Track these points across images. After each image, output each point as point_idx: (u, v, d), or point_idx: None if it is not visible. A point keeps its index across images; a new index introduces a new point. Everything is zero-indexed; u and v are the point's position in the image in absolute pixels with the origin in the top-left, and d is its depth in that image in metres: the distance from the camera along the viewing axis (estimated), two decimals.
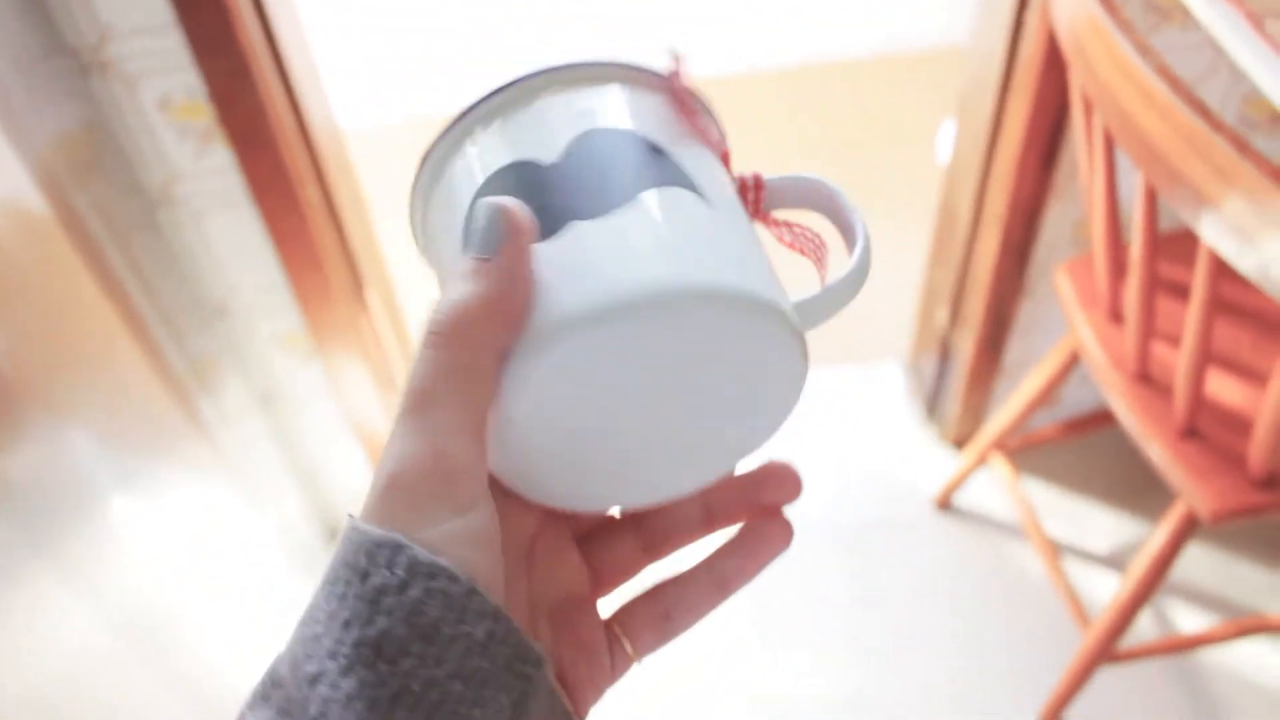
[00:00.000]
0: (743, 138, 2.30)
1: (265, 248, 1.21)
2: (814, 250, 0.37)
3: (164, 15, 1.00)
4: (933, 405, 1.73)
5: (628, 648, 0.35)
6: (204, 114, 1.08)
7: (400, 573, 0.27)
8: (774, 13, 2.52)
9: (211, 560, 1.28)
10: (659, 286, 0.30)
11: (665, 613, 0.35)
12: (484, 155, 0.35)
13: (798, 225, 0.38)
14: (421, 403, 0.28)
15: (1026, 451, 1.64)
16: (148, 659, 1.05)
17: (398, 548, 0.27)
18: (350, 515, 0.30)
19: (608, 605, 0.36)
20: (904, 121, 2.28)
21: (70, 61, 1.02)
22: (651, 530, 0.37)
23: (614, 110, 0.36)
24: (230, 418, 1.36)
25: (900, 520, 1.63)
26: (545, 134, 0.34)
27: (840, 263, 0.37)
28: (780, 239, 0.37)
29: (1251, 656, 1.45)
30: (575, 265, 0.31)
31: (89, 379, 1.03)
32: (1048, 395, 1.37)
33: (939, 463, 1.69)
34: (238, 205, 1.17)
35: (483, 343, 0.29)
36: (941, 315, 1.59)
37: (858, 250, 0.37)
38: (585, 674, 0.34)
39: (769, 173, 0.38)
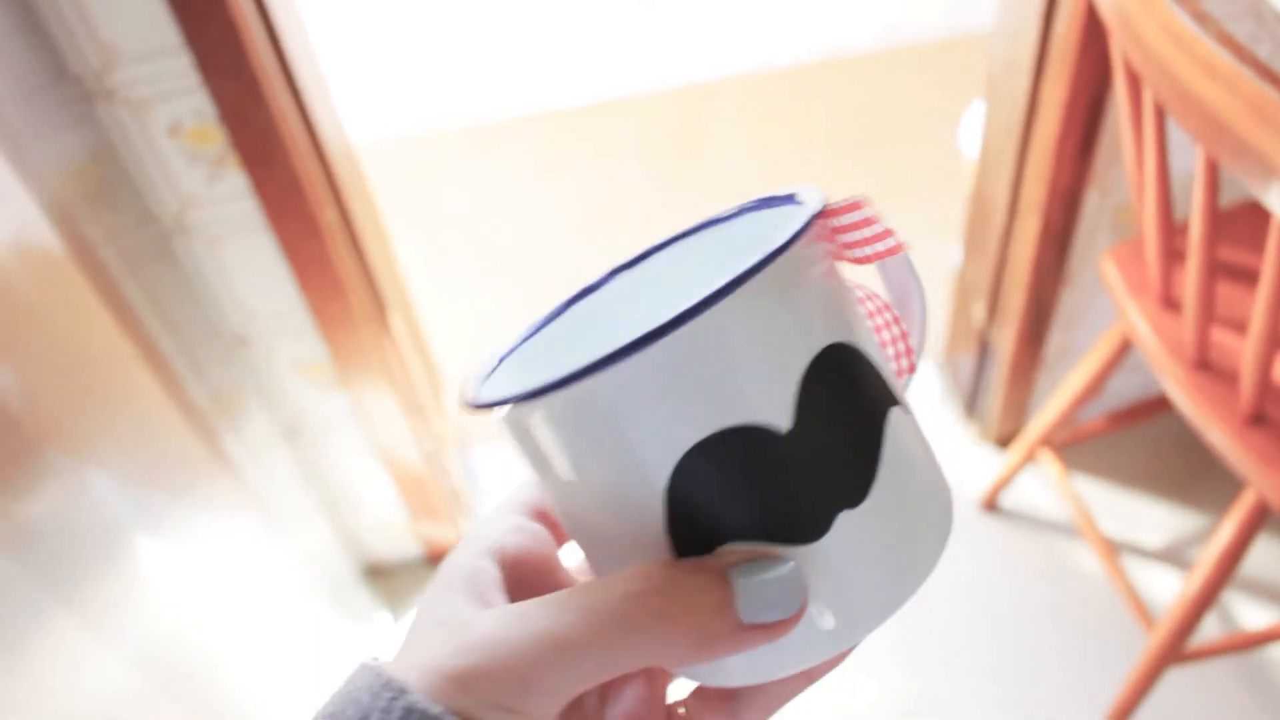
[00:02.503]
0: (751, 135, 2.28)
1: (284, 273, 1.17)
2: (889, 331, 0.34)
3: (171, 37, 0.96)
4: (971, 404, 1.68)
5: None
6: (215, 138, 1.05)
7: (395, 716, 0.26)
8: (782, 9, 2.49)
9: (240, 597, 1.24)
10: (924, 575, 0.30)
11: (736, 709, 0.33)
12: (677, 416, 0.27)
13: (878, 297, 0.34)
14: (558, 651, 0.27)
15: (1072, 446, 1.59)
16: (178, 699, 1.01)
17: (397, 692, 0.26)
18: (383, 667, 0.27)
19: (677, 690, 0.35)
20: (919, 113, 2.24)
21: (75, 89, 0.99)
22: None
23: (816, 317, 0.28)
24: (254, 450, 1.33)
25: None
26: (763, 385, 0.27)
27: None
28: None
29: None
30: (846, 581, 0.29)
31: (107, 416, 1.00)
32: (1097, 387, 1.32)
33: (982, 463, 1.64)
34: (254, 230, 1.13)
35: (663, 659, 0.27)
36: (979, 310, 1.55)
37: (918, 350, 0.34)
38: None
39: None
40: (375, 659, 0.28)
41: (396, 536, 1.59)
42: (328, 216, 1.15)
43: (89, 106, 1.00)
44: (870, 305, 0.34)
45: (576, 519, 0.30)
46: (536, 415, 0.28)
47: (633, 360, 0.26)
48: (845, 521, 0.28)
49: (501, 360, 0.32)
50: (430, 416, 1.48)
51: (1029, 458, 1.48)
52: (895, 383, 0.30)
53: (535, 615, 0.27)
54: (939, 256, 1.77)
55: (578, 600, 0.27)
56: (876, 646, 1.45)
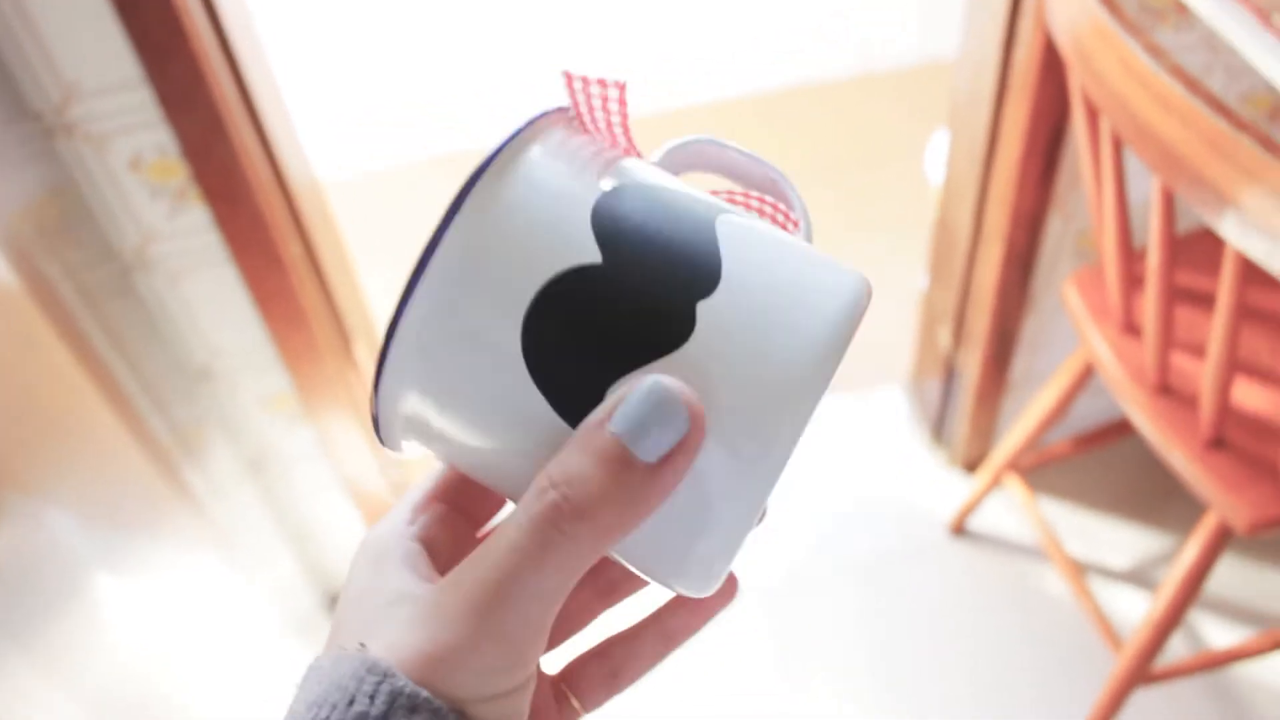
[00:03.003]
0: None
1: (248, 307, 1.16)
2: (772, 214, 0.36)
3: (131, 71, 0.96)
4: (939, 428, 1.69)
5: (575, 704, 0.34)
6: (177, 172, 1.04)
7: (381, 703, 0.26)
8: (753, 37, 2.51)
9: (204, 634, 1.23)
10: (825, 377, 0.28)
11: (613, 670, 0.34)
12: (511, 276, 0.28)
13: (751, 196, 0.36)
14: (504, 589, 0.26)
15: (1038, 470, 1.60)
16: None
17: (381, 676, 0.26)
18: (362, 644, 0.27)
19: (553, 663, 0.35)
20: (886, 140, 2.26)
21: (34, 125, 0.98)
22: (608, 578, 0.36)
23: (584, 176, 0.30)
24: (218, 485, 1.31)
25: (914, 549, 1.58)
26: (563, 232, 0.28)
27: None
28: None
29: None
30: (739, 370, 0.27)
31: (67, 454, 0.98)
32: (1061, 411, 1.33)
33: (949, 487, 1.65)
34: (217, 265, 1.12)
35: (594, 550, 0.27)
36: (944, 335, 1.56)
37: (800, 211, 0.35)
38: None
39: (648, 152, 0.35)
40: (362, 645, 0.28)
41: None
42: (291, 250, 1.14)
43: (48, 142, 0.99)
44: (751, 202, 0.35)
45: (477, 454, 0.30)
46: (396, 358, 0.29)
47: (437, 258, 0.27)
48: (707, 310, 0.27)
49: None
50: None
51: (996, 482, 1.49)
52: (721, 202, 0.31)
53: (469, 574, 0.27)
54: (906, 282, 1.78)
55: (502, 542, 0.27)
56: (845, 668, 1.45)
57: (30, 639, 0.84)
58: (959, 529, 1.59)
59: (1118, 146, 0.96)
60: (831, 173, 2.21)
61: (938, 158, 1.60)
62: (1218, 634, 1.45)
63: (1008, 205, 1.27)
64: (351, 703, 0.26)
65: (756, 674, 1.46)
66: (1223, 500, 1.03)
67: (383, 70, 2.57)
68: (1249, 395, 1.07)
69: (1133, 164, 1.10)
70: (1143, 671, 1.24)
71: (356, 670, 0.26)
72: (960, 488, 1.64)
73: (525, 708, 0.28)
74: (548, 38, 2.57)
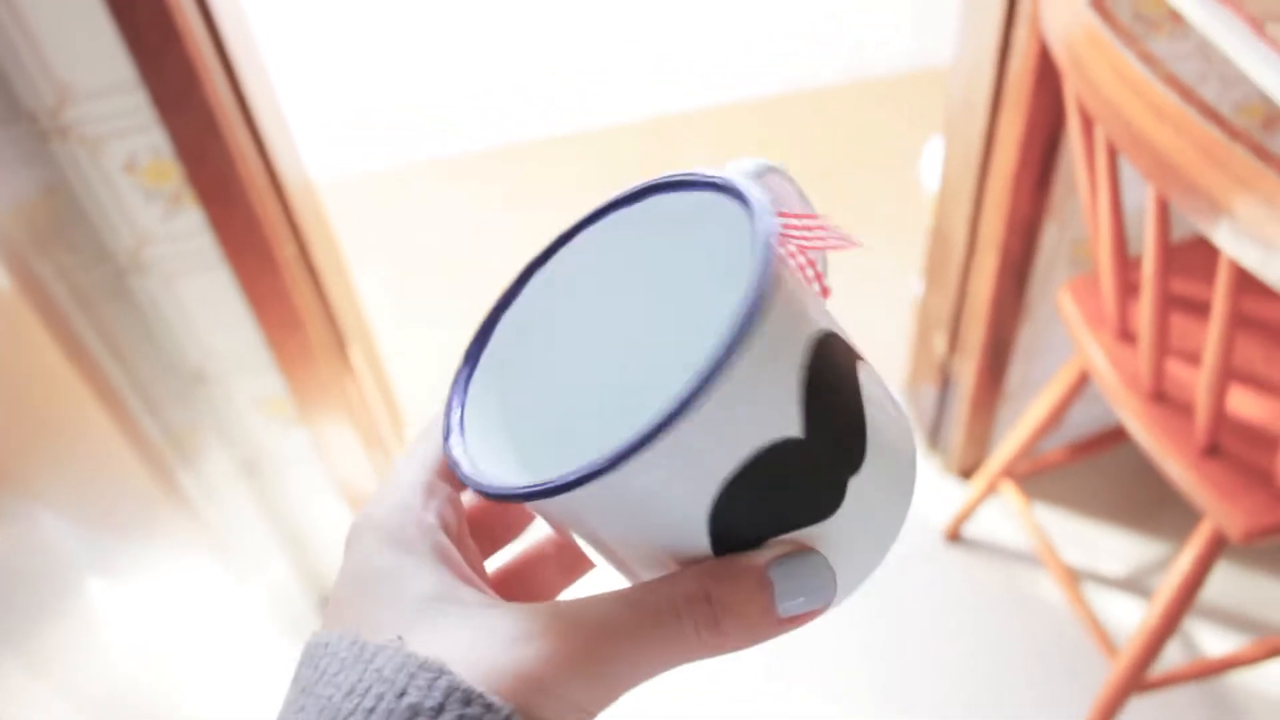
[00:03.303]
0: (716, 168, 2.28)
1: (242, 309, 1.16)
2: (807, 259, 0.35)
3: (126, 73, 0.96)
4: (934, 435, 1.69)
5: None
6: (172, 174, 1.04)
7: (437, 696, 0.26)
8: (749, 42, 2.51)
9: (198, 637, 1.22)
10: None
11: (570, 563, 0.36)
12: (726, 439, 0.27)
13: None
14: (617, 648, 0.28)
15: (1034, 477, 1.60)
16: None
17: (437, 672, 0.26)
18: (400, 637, 0.27)
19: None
20: (880, 146, 2.26)
21: (28, 127, 0.98)
22: (572, 551, 0.36)
23: (796, 327, 0.28)
24: (212, 488, 1.31)
25: (910, 556, 1.58)
26: (773, 405, 0.28)
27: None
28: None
29: None
30: (862, 539, 0.30)
31: (60, 456, 0.98)
32: (1056, 419, 1.33)
33: (945, 495, 1.65)
34: (212, 267, 1.12)
35: (699, 657, 0.29)
36: (940, 342, 1.56)
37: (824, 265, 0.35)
38: None
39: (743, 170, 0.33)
40: (400, 638, 0.27)
41: None
42: (286, 252, 1.14)
43: (43, 144, 0.99)
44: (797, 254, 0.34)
45: (602, 549, 0.31)
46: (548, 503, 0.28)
47: (646, 451, 0.26)
48: (854, 486, 0.29)
49: (461, 408, 0.31)
50: (391, 450, 1.47)
51: (991, 489, 1.48)
52: (849, 337, 0.31)
53: (597, 610, 0.28)
54: (901, 288, 1.78)
55: (637, 598, 0.28)
56: (840, 675, 1.45)
57: (24, 642, 0.84)
58: (954, 536, 1.59)
59: (1112, 155, 0.96)
60: (826, 178, 2.21)
61: (933, 164, 1.60)
62: (1213, 642, 1.45)
63: (1003, 213, 1.27)
64: (399, 695, 0.26)
65: (750, 680, 1.46)
66: (1218, 508, 1.03)
67: (378, 72, 2.57)
68: (1244, 403, 1.07)
69: (1127, 172, 1.10)
70: (1138, 679, 1.23)
71: (404, 665, 0.26)
72: (955, 494, 1.64)
73: None
74: (542, 41, 2.58)
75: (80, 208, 1.05)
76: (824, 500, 0.29)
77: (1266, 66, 0.89)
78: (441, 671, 0.26)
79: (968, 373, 1.50)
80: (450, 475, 0.32)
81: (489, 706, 0.26)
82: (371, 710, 0.26)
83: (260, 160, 1.10)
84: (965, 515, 1.56)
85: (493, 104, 2.48)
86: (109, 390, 1.10)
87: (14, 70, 0.94)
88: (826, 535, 0.29)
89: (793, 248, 0.34)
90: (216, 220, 1.07)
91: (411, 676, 0.26)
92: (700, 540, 0.29)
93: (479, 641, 0.27)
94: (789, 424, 0.28)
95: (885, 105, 2.36)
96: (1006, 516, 1.60)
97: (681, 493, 0.28)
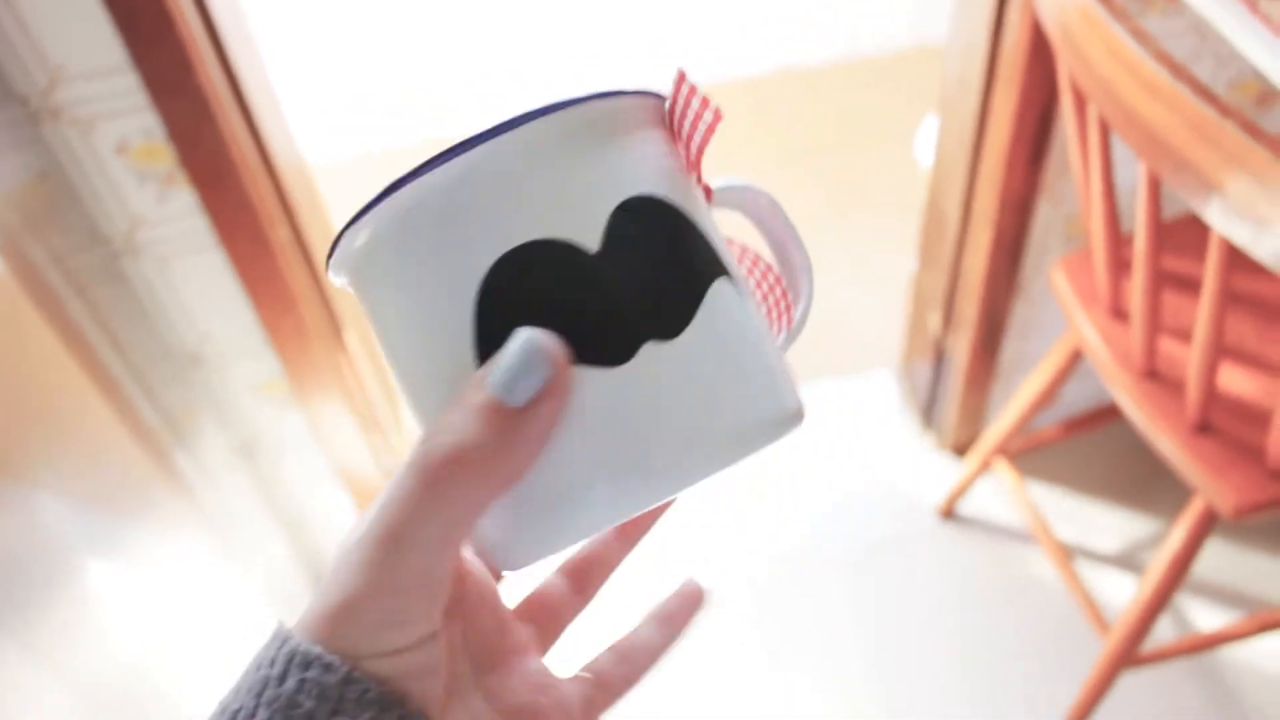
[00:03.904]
0: (711, 150, 2.28)
1: (237, 292, 1.16)
2: (770, 293, 0.36)
3: (118, 56, 0.95)
4: (929, 413, 1.69)
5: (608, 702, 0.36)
6: (165, 156, 1.04)
7: (280, 664, 0.27)
8: (742, 21, 2.50)
9: (196, 620, 1.23)
10: (742, 448, 0.29)
11: (629, 665, 0.37)
12: (490, 224, 0.28)
13: (761, 261, 0.36)
14: (393, 540, 0.27)
15: (1027, 454, 1.61)
16: None
17: (283, 640, 0.27)
18: (279, 621, 0.28)
19: (568, 663, 0.37)
20: (875, 124, 2.26)
21: (19, 110, 0.98)
22: (577, 571, 0.38)
23: (639, 168, 0.30)
24: (210, 470, 1.31)
25: (905, 533, 1.59)
26: (575, 205, 0.28)
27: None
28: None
29: (1273, 651, 1.42)
30: (647, 416, 0.28)
31: (57, 440, 0.98)
32: (1050, 396, 1.33)
33: (940, 471, 1.66)
34: (206, 249, 1.12)
35: (475, 498, 0.27)
36: (934, 320, 1.56)
37: (800, 309, 0.35)
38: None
39: (716, 179, 0.35)
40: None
41: None
42: (280, 234, 1.14)
43: (34, 126, 0.99)
44: (748, 262, 0.36)
45: (401, 363, 0.31)
46: (363, 237, 0.29)
47: (452, 164, 0.27)
48: (650, 353, 0.28)
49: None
50: (388, 432, 1.47)
51: (985, 466, 1.49)
52: (732, 265, 0.31)
53: (359, 534, 0.28)
54: (896, 266, 1.79)
55: (382, 498, 0.28)
56: (834, 652, 1.46)
57: (21, 627, 0.84)
58: (948, 513, 1.60)
59: (1105, 132, 0.96)
60: (821, 157, 2.21)
61: (927, 142, 1.60)
62: (1204, 617, 1.46)
63: (997, 190, 1.27)
64: (258, 669, 0.27)
65: (745, 657, 1.47)
66: (1209, 484, 1.03)
67: (374, 55, 2.56)
68: (1235, 380, 1.08)
69: (1120, 150, 1.10)
70: (1130, 654, 1.24)
71: (267, 641, 0.28)
72: (950, 471, 1.65)
73: (431, 665, 0.29)
74: (538, 25, 2.56)
75: (73, 191, 1.04)
76: (604, 343, 0.28)
77: (1259, 43, 0.90)
78: (284, 639, 0.27)
79: (961, 350, 1.51)
80: None
81: (327, 666, 0.27)
82: (238, 689, 0.28)
83: (253, 142, 1.10)
84: (959, 492, 1.56)
85: (487, 86, 2.48)
86: (105, 374, 1.10)
87: (5, 52, 0.93)
88: (603, 384, 0.28)
89: (752, 270, 0.36)
90: (210, 203, 1.07)
91: (264, 649, 0.28)
92: (466, 344, 0.29)
93: (315, 593, 0.28)
94: (586, 231, 0.28)
95: (880, 84, 2.36)
96: (1000, 493, 1.61)
97: (465, 236, 0.28)
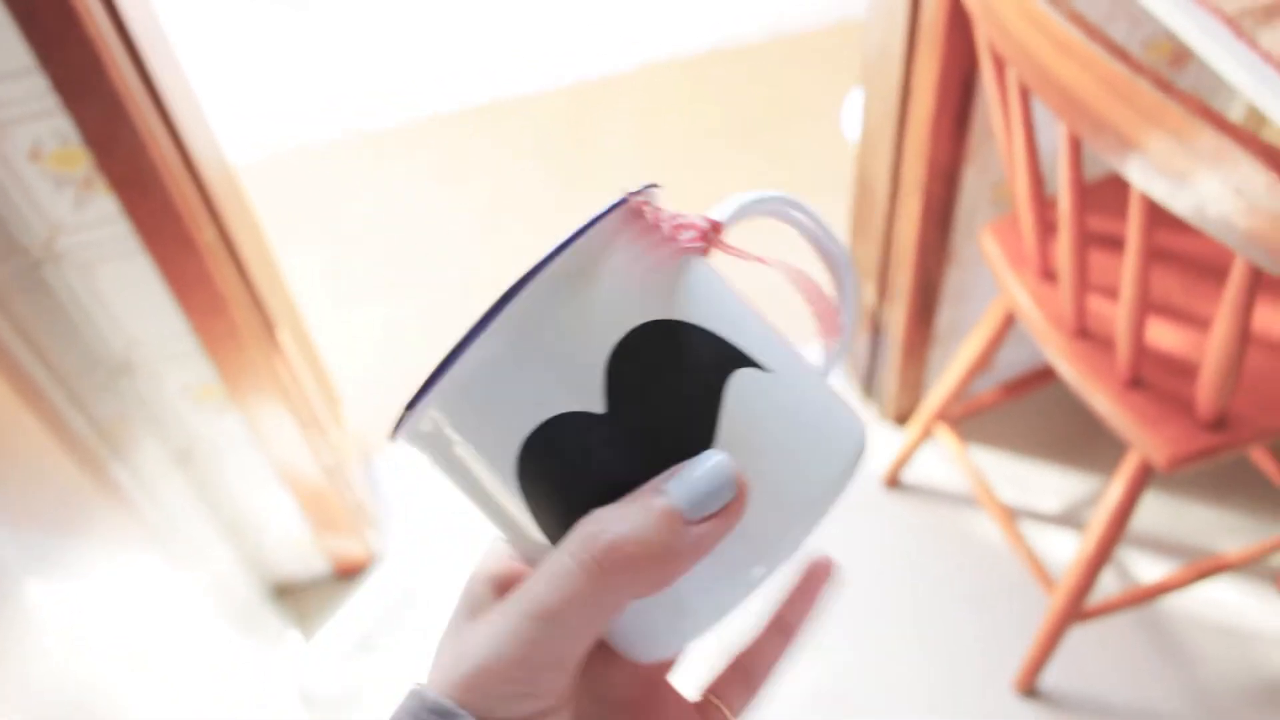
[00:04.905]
0: (644, 130, 2.28)
1: (165, 296, 1.14)
2: (806, 291, 0.36)
3: (23, 59, 0.93)
4: (869, 383, 1.71)
5: (727, 714, 0.39)
6: (81, 161, 1.01)
7: (415, 715, 0.28)
8: (665, 5, 2.50)
9: (143, 632, 1.21)
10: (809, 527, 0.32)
11: (747, 676, 0.39)
12: (503, 416, 0.30)
13: (794, 269, 0.36)
14: (549, 619, 0.28)
15: (967, 420, 1.63)
16: None
17: (446, 715, 0.28)
18: (419, 684, 0.30)
19: (696, 683, 0.40)
20: (803, 101, 2.27)
21: None
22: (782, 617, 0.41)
23: (618, 303, 0.30)
24: (147, 479, 1.29)
25: (850, 503, 1.60)
26: (570, 375, 0.29)
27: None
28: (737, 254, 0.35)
29: (1212, 597, 1.45)
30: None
31: None
32: (986, 360, 1.35)
33: (882, 441, 1.67)
34: (129, 255, 1.10)
35: (632, 594, 0.29)
36: (868, 291, 1.58)
37: (848, 307, 0.37)
38: None
39: (731, 200, 0.34)
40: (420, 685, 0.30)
41: (302, 554, 1.56)
42: (206, 236, 1.12)
43: None
44: (783, 272, 0.36)
45: (493, 519, 0.33)
46: (420, 434, 0.31)
47: (450, 376, 0.29)
48: None
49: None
50: (328, 430, 1.46)
51: (926, 433, 1.51)
52: (758, 347, 0.31)
53: (509, 606, 0.29)
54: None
55: (539, 578, 0.29)
56: None
57: None
58: (893, 481, 1.62)
59: (1025, 95, 0.97)
60: (750, 134, 2.21)
61: (853, 116, 1.61)
62: (1146, 569, 1.50)
63: (923, 159, 1.28)
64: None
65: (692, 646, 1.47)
66: (1143, 439, 1.06)
67: (298, 46, 2.52)
68: (1163, 335, 1.10)
69: (1041, 114, 1.11)
70: (1076, 609, 1.27)
71: (403, 701, 0.30)
72: (892, 441, 1.67)
73: None
74: (461, 9, 2.54)
75: None
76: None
77: (1169, 2, 0.91)
78: (417, 695, 0.29)
79: (897, 319, 1.52)
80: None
81: (447, 714, 0.28)
82: None
83: (173, 144, 1.07)
84: (902, 461, 1.58)
85: (416, 75, 2.45)
86: (31, 387, 1.08)
87: None
88: None
89: (802, 289, 0.35)
90: (131, 206, 1.05)
91: (402, 709, 0.29)
92: (522, 512, 0.31)
93: (445, 661, 0.30)
94: (587, 397, 0.29)
95: (805, 61, 2.37)
96: (943, 460, 1.63)
97: (487, 433, 0.30)
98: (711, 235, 0.33)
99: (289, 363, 1.33)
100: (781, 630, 0.39)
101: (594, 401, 0.29)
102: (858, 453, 0.33)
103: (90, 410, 1.18)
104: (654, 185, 0.32)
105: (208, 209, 1.14)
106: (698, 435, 0.30)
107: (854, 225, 1.57)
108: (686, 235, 0.31)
